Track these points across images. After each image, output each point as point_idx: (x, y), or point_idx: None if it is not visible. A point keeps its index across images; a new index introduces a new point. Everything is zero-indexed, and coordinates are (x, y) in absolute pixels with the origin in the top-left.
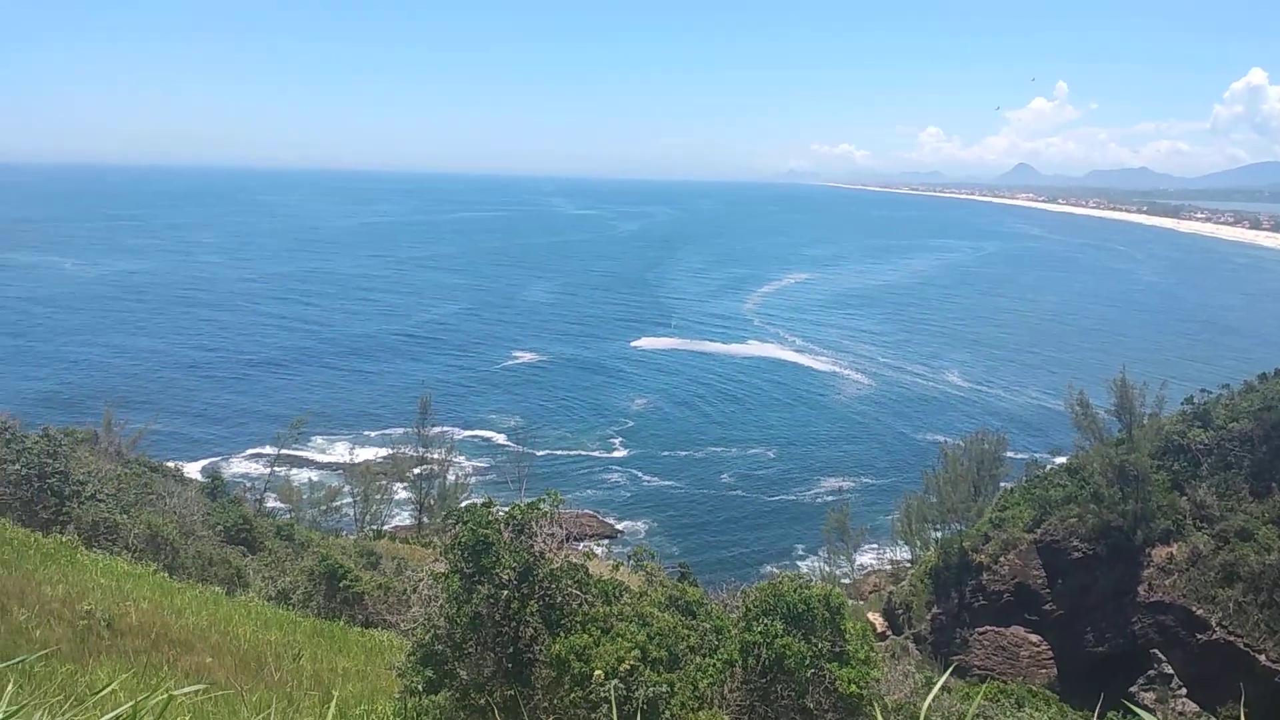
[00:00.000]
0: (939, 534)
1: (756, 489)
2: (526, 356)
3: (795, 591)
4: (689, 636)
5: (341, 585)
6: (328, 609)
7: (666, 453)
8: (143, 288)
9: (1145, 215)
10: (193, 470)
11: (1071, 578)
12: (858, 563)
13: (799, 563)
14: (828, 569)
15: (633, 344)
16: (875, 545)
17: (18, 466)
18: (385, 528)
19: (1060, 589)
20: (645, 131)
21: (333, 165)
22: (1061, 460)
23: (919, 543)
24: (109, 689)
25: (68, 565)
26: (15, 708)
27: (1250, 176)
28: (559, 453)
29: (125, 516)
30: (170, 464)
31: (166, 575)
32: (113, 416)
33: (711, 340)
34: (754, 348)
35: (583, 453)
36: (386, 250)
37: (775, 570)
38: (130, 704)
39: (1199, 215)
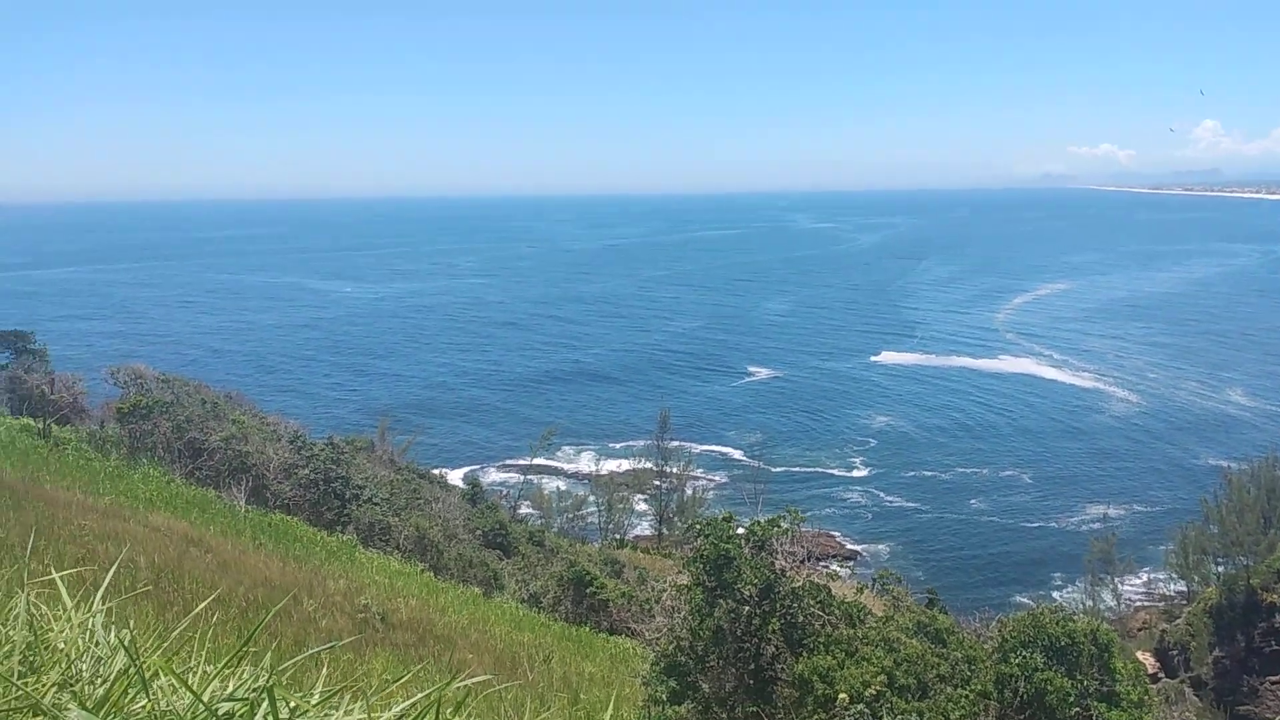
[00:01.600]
0: (1221, 569)
1: (1009, 513)
2: (764, 372)
3: (1058, 624)
4: (939, 665)
5: (588, 592)
6: (575, 614)
7: (910, 473)
8: (416, 308)
9: None
10: (455, 477)
11: None
12: (1124, 597)
13: (1055, 594)
14: (1090, 602)
15: (874, 359)
16: (1145, 578)
17: (307, 471)
18: (627, 537)
19: None
20: (890, 140)
21: (579, 190)
22: None
23: (1197, 578)
24: (404, 679)
25: (348, 562)
26: (331, 690)
27: None
28: (796, 470)
29: (397, 519)
30: (435, 471)
31: (432, 575)
32: (387, 426)
33: (960, 354)
34: (1007, 362)
35: (821, 470)
36: (631, 270)
37: (1029, 601)
38: (431, 689)
39: None
